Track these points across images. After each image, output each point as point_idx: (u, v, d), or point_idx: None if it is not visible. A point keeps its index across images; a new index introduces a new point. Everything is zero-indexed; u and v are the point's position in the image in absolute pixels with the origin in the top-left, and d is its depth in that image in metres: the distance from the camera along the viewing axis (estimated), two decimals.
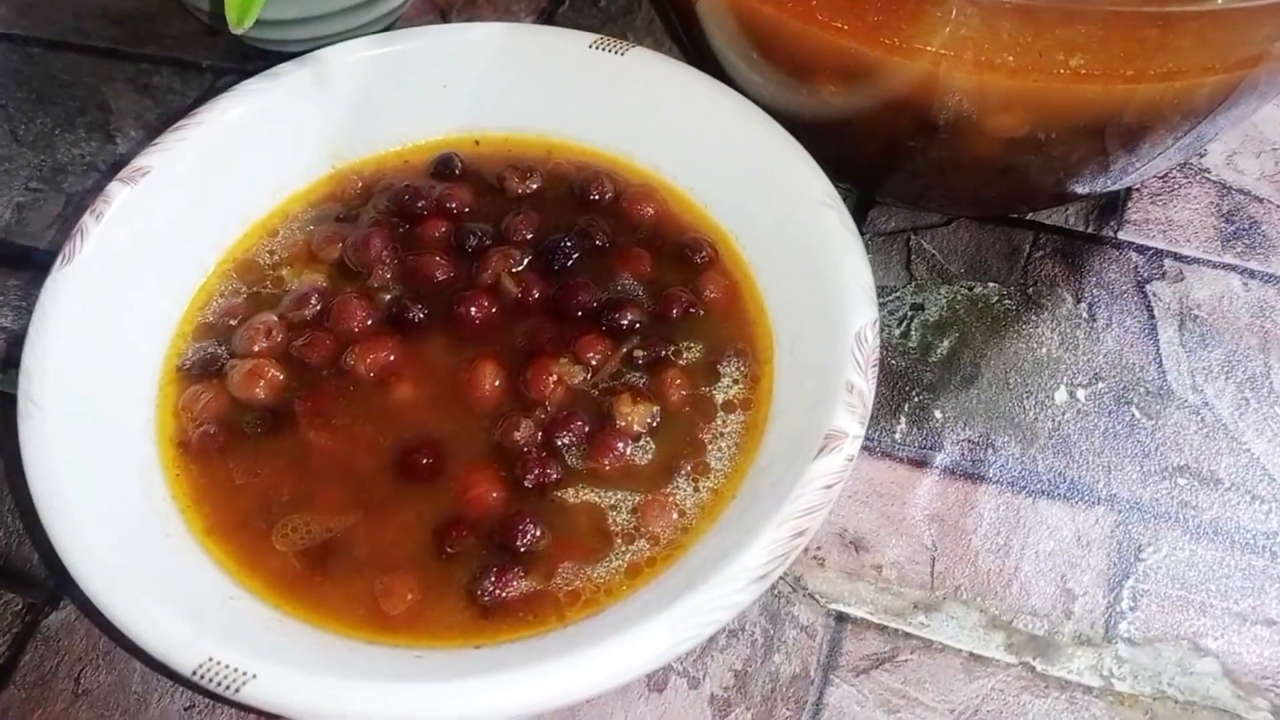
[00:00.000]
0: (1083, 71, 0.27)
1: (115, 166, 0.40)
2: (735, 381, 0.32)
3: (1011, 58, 0.27)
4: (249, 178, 0.35)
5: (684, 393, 0.31)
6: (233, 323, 0.33)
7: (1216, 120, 0.32)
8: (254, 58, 0.42)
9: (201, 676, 0.24)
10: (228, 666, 0.24)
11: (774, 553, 0.25)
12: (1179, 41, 0.27)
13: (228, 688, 0.23)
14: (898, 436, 0.34)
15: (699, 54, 0.35)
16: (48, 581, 0.31)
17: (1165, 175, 0.40)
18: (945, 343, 0.36)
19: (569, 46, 0.36)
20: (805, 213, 0.32)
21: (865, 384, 0.28)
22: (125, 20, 0.46)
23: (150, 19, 0.46)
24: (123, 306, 0.31)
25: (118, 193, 0.32)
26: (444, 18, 0.45)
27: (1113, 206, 0.39)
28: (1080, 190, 0.35)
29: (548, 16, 0.45)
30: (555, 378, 0.31)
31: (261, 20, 0.38)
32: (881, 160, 0.34)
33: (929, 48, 0.28)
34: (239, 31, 0.33)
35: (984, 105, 0.29)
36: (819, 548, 0.32)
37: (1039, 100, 0.29)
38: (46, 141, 0.42)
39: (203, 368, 0.32)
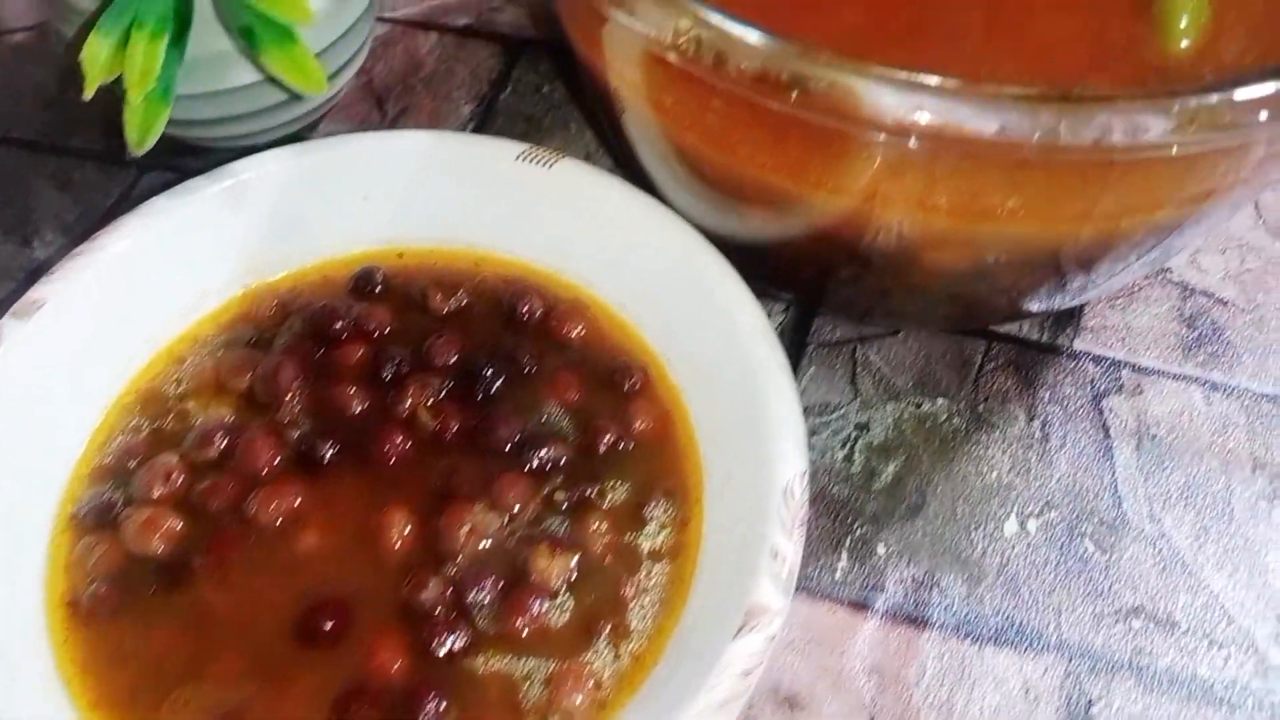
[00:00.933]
0: (1022, 213, 0.26)
1: (30, 272, 0.38)
2: (663, 526, 0.30)
3: (945, 198, 0.26)
4: (155, 301, 0.33)
5: (607, 540, 0.29)
6: (132, 464, 0.31)
7: (1183, 235, 0.30)
8: (181, 152, 0.41)
9: None
10: None
11: None
12: (1125, 183, 0.25)
13: None
14: (838, 575, 0.32)
15: (628, 158, 0.34)
16: None
17: None
18: (890, 467, 0.34)
19: (496, 157, 0.34)
20: (737, 345, 0.30)
21: (791, 547, 0.26)
22: (54, 105, 0.44)
23: (78, 104, 0.44)
24: (15, 450, 0.30)
25: (9, 330, 0.30)
26: (380, 106, 0.44)
27: (1069, 312, 0.37)
28: (1036, 308, 0.34)
29: (488, 102, 0.44)
30: (469, 527, 0.29)
31: (181, 120, 0.36)
32: (819, 283, 0.32)
33: (855, 188, 0.26)
34: (138, 153, 0.31)
35: (920, 242, 0.27)
36: (751, 706, 0.30)
37: (978, 239, 0.27)
38: None
39: (98, 516, 0.30)
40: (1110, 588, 0.32)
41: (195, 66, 0.35)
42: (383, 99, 0.44)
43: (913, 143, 0.23)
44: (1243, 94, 0.22)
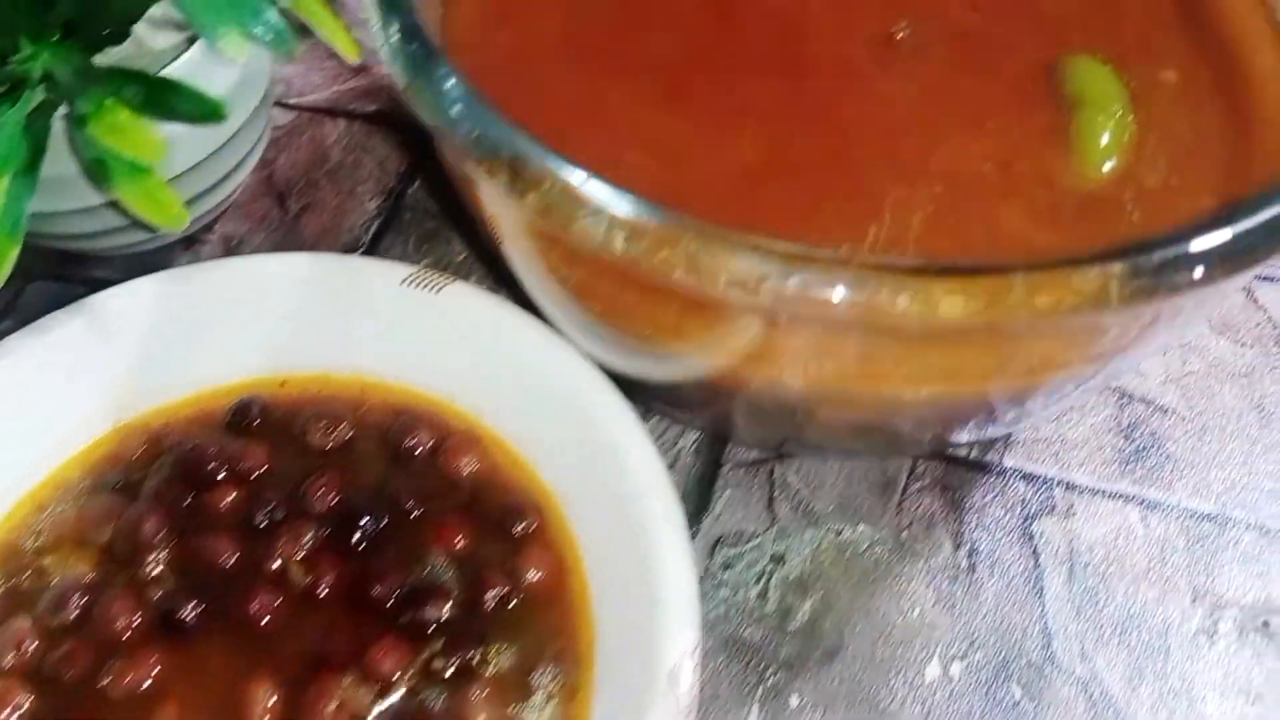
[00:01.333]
0: (908, 379, 0.24)
1: None
2: (550, 696, 0.28)
3: (830, 364, 0.23)
4: (18, 444, 0.31)
5: (487, 715, 0.27)
6: None
7: (1123, 362, 0.28)
8: (69, 260, 0.38)
9: None
10: None
11: None
12: (1027, 348, 0.23)
13: None
14: None
15: (517, 288, 0.32)
16: None
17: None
18: (807, 605, 0.32)
19: (381, 281, 0.32)
20: (630, 497, 0.28)
21: None
22: None
23: None
24: None
25: None
26: (281, 202, 0.41)
27: None
28: (965, 439, 0.32)
29: (396, 196, 0.41)
30: (337, 702, 0.27)
31: (56, 234, 0.34)
32: (721, 419, 0.30)
33: (738, 358, 0.24)
34: None
35: (814, 402, 0.25)
36: None
37: (873, 400, 0.25)
38: None
39: None
40: None
41: (58, 186, 0.33)
42: (284, 194, 0.42)
43: (772, 311, 0.21)
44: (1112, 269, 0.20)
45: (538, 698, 0.28)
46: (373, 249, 0.40)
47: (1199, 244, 0.21)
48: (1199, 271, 0.21)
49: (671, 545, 0.27)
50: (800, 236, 0.21)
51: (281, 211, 0.41)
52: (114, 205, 0.31)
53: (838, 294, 0.20)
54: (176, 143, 0.32)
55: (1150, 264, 0.20)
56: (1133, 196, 0.27)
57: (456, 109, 0.25)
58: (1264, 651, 0.31)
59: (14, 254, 0.29)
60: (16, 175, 0.29)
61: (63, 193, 0.33)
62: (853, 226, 0.25)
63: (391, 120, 0.44)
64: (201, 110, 0.30)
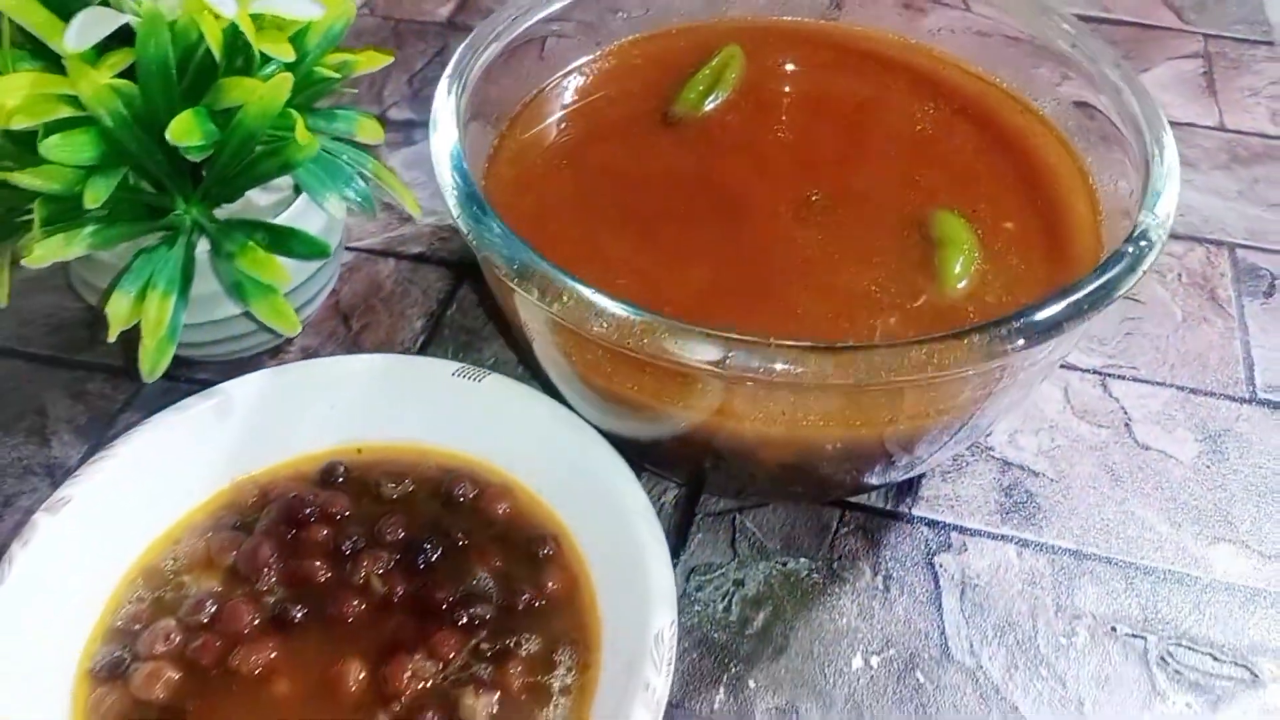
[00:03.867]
0: (821, 424, 0.34)
1: (49, 468, 0.46)
2: (569, 669, 0.37)
3: (761, 413, 0.34)
4: (157, 496, 0.40)
5: (521, 681, 0.36)
6: (137, 627, 0.38)
7: (982, 419, 0.39)
8: (179, 364, 0.49)
9: None
10: None
11: None
12: (901, 398, 0.34)
13: None
14: (715, 707, 0.39)
15: (540, 375, 0.42)
16: None
17: (955, 456, 0.47)
18: (760, 616, 0.42)
19: (435, 374, 0.43)
20: (625, 522, 0.38)
21: (660, 682, 0.34)
22: (63, 328, 0.52)
23: (88, 324, 0.52)
24: (44, 619, 0.36)
25: (42, 522, 0.38)
26: (346, 321, 0.52)
27: (909, 484, 0.46)
28: (875, 482, 0.42)
29: (436, 318, 0.53)
30: (410, 673, 0.36)
31: (181, 343, 0.45)
32: (694, 469, 0.41)
33: (695, 408, 0.34)
34: (150, 379, 0.40)
35: (752, 443, 0.36)
36: None
37: (797, 442, 0.35)
38: None
39: (110, 670, 0.37)
40: (937, 712, 0.39)
41: (194, 303, 0.44)
42: (348, 316, 0.53)
43: (719, 376, 0.32)
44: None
45: (560, 670, 0.37)
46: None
47: (1008, 325, 0.32)
48: (1020, 343, 0.32)
49: (657, 556, 0.37)
50: (739, 330, 0.32)
51: (346, 329, 0.52)
52: (248, 316, 0.42)
53: (760, 364, 0.31)
54: None
55: (970, 338, 0.31)
56: (976, 308, 0.38)
57: (504, 247, 0.35)
58: (1111, 649, 0.41)
59: (171, 353, 0.40)
60: (177, 296, 0.40)
61: (197, 309, 0.44)
62: (775, 326, 0.36)
63: (431, 260, 0.56)
64: (311, 250, 0.41)
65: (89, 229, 0.38)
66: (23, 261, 0.37)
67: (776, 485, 0.41)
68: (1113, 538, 0.44)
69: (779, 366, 0.30)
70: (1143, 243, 0.34)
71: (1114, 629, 0.41)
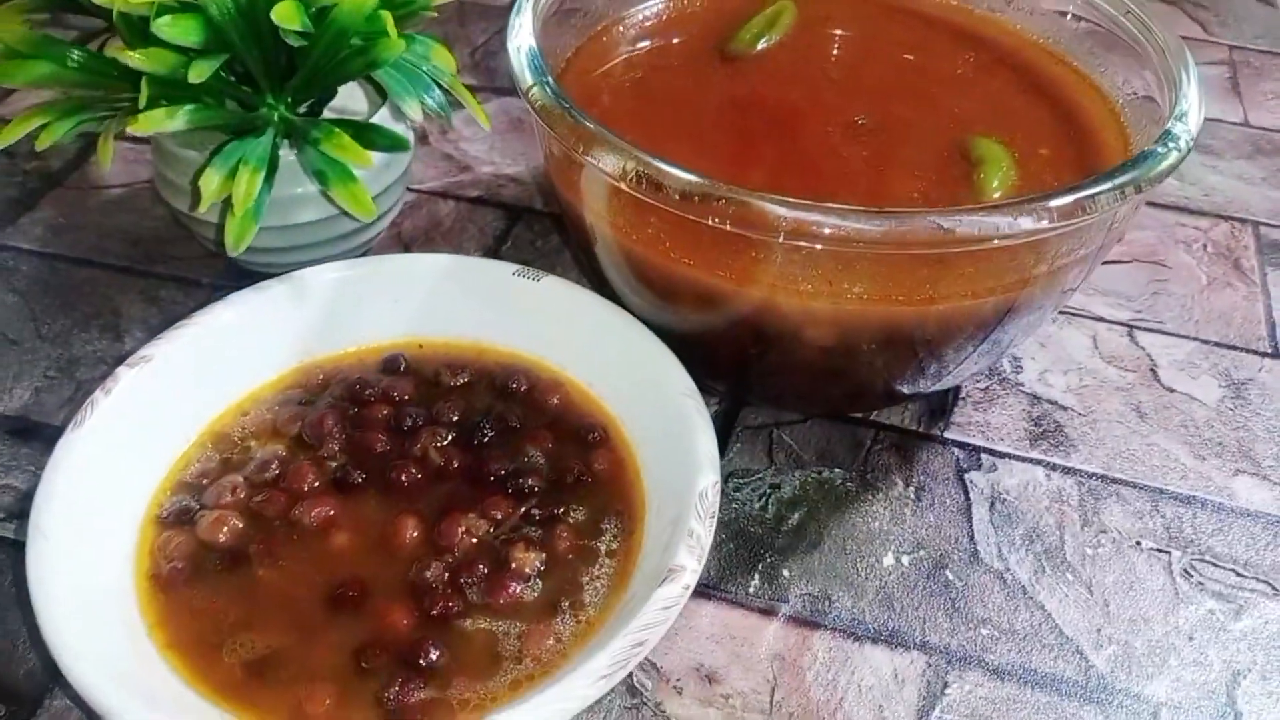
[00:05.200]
0: (865, 297, 0.36)
1: (121, 360, 0.48)
2: (614, 536, 0.39)
3: (810, 285, 0.36)
4: (231, 368, 0.43)
5: (569, 543, 0.38)
6: (205, 482, 0.40)
7: (1006, 330, 0.41)
8: (247, 277, 0.51)
9: None
10: None
11: (616, 658, 0.32)
12: (941, 273, 0.36)
13: None
14: (750, 590, 0.41)
15: (600, 282, 0.45)
16: (29, 692, 0.37)
17: (986, 387, 0.49)
18: (796, 515, 0.43)
19: (496, 273, 0.45)
20: (671, 402, 0.40)
21: (703, 530, 0.35)
22: (140, 242, 0.55)
23: (163, 242, 0.55)
24: (118, 463, 0.39)
25: (124, 375, 0.40)
26: (406, 249, 0.55)
27: (941, 410, 0.48)
28: (906, 390, 0.44)
29: (493, 253, 0.55)
30: (464, 529, 0.38)
31: (253, 248, 0.47)
32: (736, 363, 0.43)
33: (748, 276, 0.37)
34: (234, 254, 0.42)
35: (798, 321, 0.38)
36: (679, 679, 0.38)
37: (837, 318, 0.37)
38: (65, 339, 0.50)
39: (177, 517, 0.39)
40: (965, 605, 0.40)
41: (273, 206, 0.47)
42: (409, 245, 0.56)
43: (780, 239, 0.34)
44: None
45: (606, 536, 0.39)
46: None
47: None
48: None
49: (701, 428, 0.39)
50: None
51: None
52: (326, 197, 0.45)
53: (816, 220, 0.33)
54: None
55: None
56: None
57: (580, 116, 0.38)
58: (1136, 560, 0.42)
59: (254, 229, 0.43)
60: (263, 179, 0.43)
61: (276, 211, 0.46)
62: None
63: (488, 202, 0.58)
64: (392, 143, 0.44)
65: (189, 107, 0.41)
66: (129, 129, 0.40)
67: (814, 384, 0.43)
68: (1138, 465, 0.46)
69: (844, 224, 0.33)
70: (1170, 141, 0.37)
71: (1139, 543, 0.43)
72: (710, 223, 0.35)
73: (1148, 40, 0.43)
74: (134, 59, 0.40)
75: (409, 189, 0.59)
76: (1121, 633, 0.40)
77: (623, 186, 0.36)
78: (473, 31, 0.73)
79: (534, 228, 0.57)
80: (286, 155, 0.46)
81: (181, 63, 0.40)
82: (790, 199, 0.34)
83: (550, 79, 0.39)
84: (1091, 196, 0.34)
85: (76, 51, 0.43)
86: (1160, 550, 0.43)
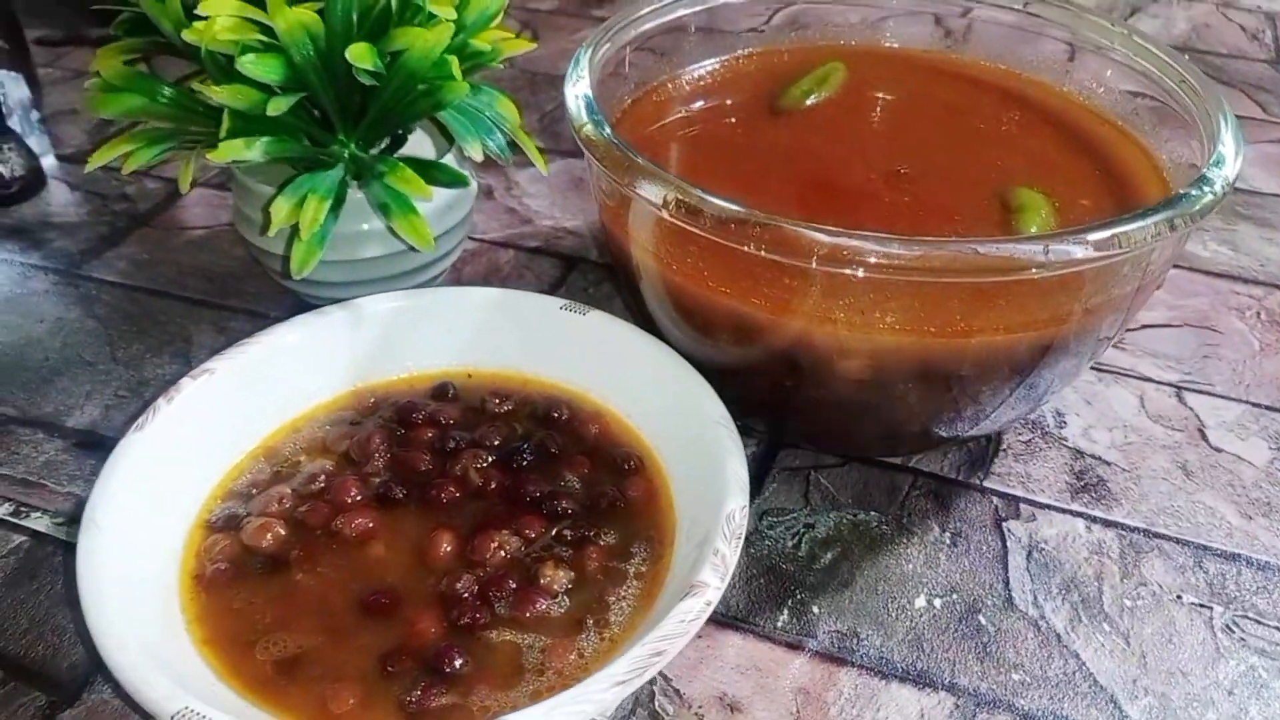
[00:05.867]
0: (898, 328, 0.37)
1: None
2: (643, 560, 0.39)
3: (843, 314, 0.37)
4: (288, 387, 0.45)
5: (598, 564, 0.39)
6: (255, 491, 0.42)
7: (1041, 375, 0.41)
8: (306, 309, 0.54)
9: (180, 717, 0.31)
10: (198, 714, 0.31)
11: (634, 665, 0.32)
12: (974, 306, 0.37)
13: None
14: (779, 624, 0.41)
15: (645, 321, 0.46)
16: (71, 683, 0.39)
17: (1028, 440, 0.49)
18: (829, 555, 0.43)
19: (544, 307, 0.47)
20: (706, 430, 0.41)
21: (729, 550, 0.36)
22: (216, 278, 0.58)
23: (237, 279, 0.58)
24: (174, 468, 0.40)
25: (187, 385, 0.42)
26: None
27: (981, 460, 0.47)
28: (942, 433, 0.44)
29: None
30: (497, 544, 0.39)
31: (319, 282, 0.50)
32: (773, 398, 0.43)
33: (783, 305, 0.38)
34: (298, 277, 0.45)
35: (831, 352, 0.39)
36: (700, 706, 0.38)
37: (870, 349, 0.38)
38: (137, 363, 0.53)
39: (225, 522, 0.40)
40: (997, 650, 0.40)
41: (340, 240, 0.49)
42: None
43: (814, 264, 0.35)
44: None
45: (635, 560, 0.39)
46: None
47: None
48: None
49: (733, 454, 0.39)
50: None
51: None
52: (390, 230, 0.47)
53: (849, 245, 0.34)
54: None
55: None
56: None
57: (636, 156, 0.40)
58: (1176, 614, 0.41)
59: (319, 255, 0.45)
60: (330, 209, 0.45)
61: (340, 247, 0.49)
62: None
63: (546, 252, 0.61)
64: (453, 180, 0.46)
65: (266, 139, 0.44)
66: (209, 156, 0.43)
67: (850, 422, 0.44)
68: (1183, 521, 0.45)
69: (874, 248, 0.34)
70: (1206, 185, 0.37)
71: (1180, 597, 0.42)
72: (746, 249, 0.36)
73: (1196, 106, 0.44)
74: (218, 94, 0.43)
75: (472, 238, 0.61)
76: (1159, 684, 0.39)
77: (664, 215, 0.38)
78: (542, 99, 0.76)
79: (588, 275, 0.59)
80: (355, 194, 0.48)
81: (262, 99, 0.43)
82: (823, 226, 0.35)
83: (600, 117, 0.41)
84: (1126, 232, 0.35)
85: (166, 88, 0.46)
86: (1202, 605, 0.42)
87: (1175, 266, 0.59)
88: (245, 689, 0.35)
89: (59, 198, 0.65)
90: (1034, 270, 0.35)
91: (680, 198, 0.37)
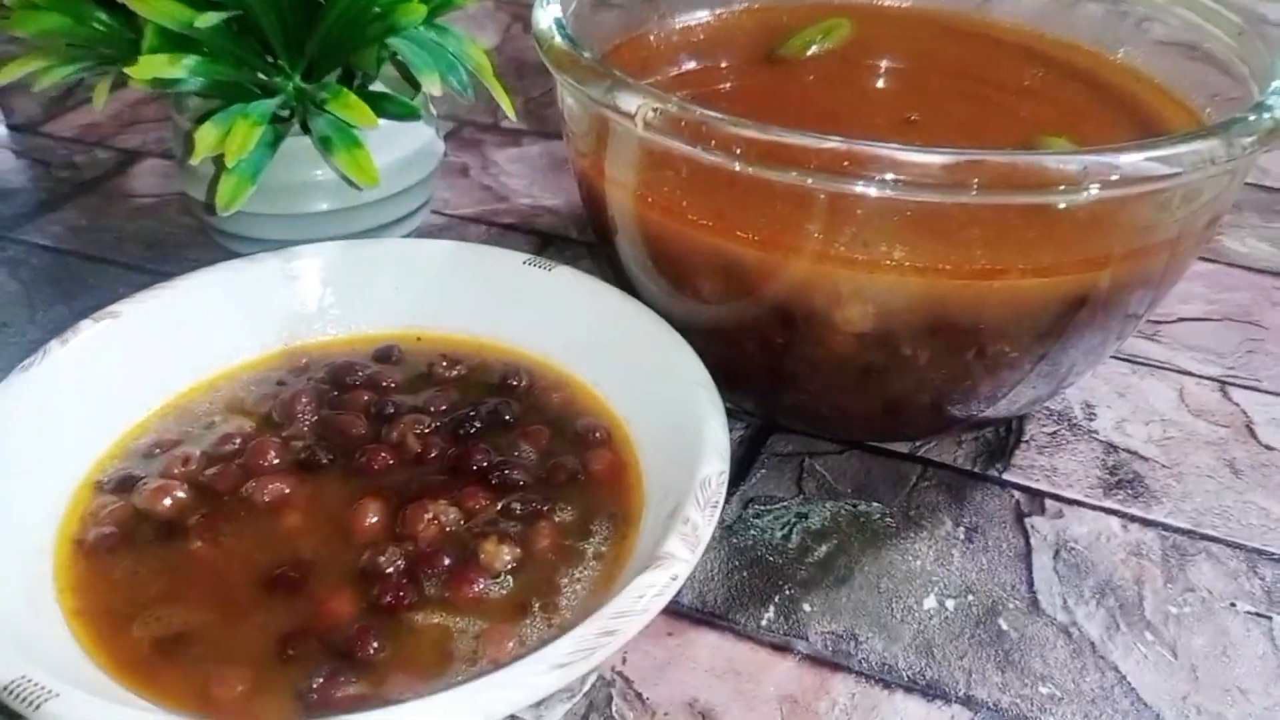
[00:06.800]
0: (906, 265, 0.31)
1: None
2: (604, 539, 0.33)
3: (842, 249, 0.32)
4: (207, 340, 0.39)
5: (551, 542, 0.33)
6: (158, 451, 0.36)
7: (1065, 349, 0.35)
8: None
9: (11, 691, 0.25)
10: (36, 684, 0.25)
11: (579, 645, 0.26)
12: (997, 236, 0.31)
13: (30, 703, 0.24)
14: (763, 623, 0.35)
15: (616, 272, 0.40)
16: None
17: (1053, 432, 0.43)
18: (823, 548, 0.37)
19: (505, 262, 0.41)
20: (682, 391, 0.35)
21: (702, 520, 0.30)
22: (158, 245, 0.53)
23: (181, 246, 0.53)
24: (61, 419, 0.35)
25: (85, 327, 0.37)
26: None
27: (1000, 451, 0.42)
28: (955, 411, 0.38)
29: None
30: (431, 515, 0.33)
31: (263, 240, 0.45)
32: (762, 365, 0.38)
33: (773, 240, 0.32)
34: (225, 213, 0.39)
35: (828, 298, 0.33)
36: (667, 713, 0.32)
37: (874, 293, 0.33)
38: (57, 327, 0.47)
39: (119, 484, 0.35)
40: (1021, 659, 0.34)
41: (285, 191, 0.44)
42: None
43: (810, 183, 0.30)
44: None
45: (595, 538, 0.33)
46: None
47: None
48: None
49: (713, 417, 0.33)
50: None
51: None
52: (334, 170, 0.42)
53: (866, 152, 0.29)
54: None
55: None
56: None
57: (613, 69, 0.34)
58: (1230, 624, 0.35)
59: (248, 191, 0.40)
60: (263, 145, 0.40)
61: (280, 199, 0.44)
62: None
63: (520, 229, 0.55)
64: (402, 111, 0.41)
65: (194, 58, 0.39)
66: (128, 69, 0.38)
67: (850, 393, 0.38)
68: (1233, 523, 0.39)
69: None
70: (1266, 110, 0.32)
71: (1233, 605, 0.36)
72: (735, 167, 0.31)
73: (1247, 51, 0.39)
74: (141, 6, 0.38)
75: (439, 213, 0.56)
76: (1212, 703, 0.32)
77: (641, 132, 0.32)
78: (529, 85, 0.71)
79: (565, 253, 0.53)
80: (304, 141, 0.43)
81: (191, 15, 0.38)
82: (822, 133, 0.30)
83: (569, 30, 0.36)
84: (1175, 154, 0.29)
85: (100, 11, 0.41)
86: (1260, 614, 0.35)
87: (1211, 261, 0.54)
88: (114, 668, 0.29)
89: (3, 165, 0.61)
90: (1076, 190, 0.29)
91: (658, 105, 0.32)
